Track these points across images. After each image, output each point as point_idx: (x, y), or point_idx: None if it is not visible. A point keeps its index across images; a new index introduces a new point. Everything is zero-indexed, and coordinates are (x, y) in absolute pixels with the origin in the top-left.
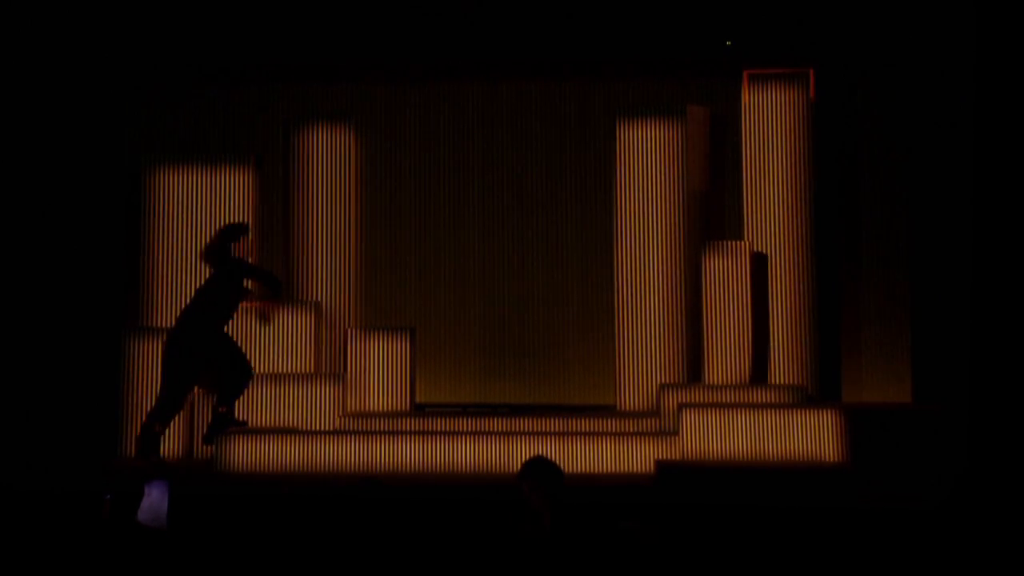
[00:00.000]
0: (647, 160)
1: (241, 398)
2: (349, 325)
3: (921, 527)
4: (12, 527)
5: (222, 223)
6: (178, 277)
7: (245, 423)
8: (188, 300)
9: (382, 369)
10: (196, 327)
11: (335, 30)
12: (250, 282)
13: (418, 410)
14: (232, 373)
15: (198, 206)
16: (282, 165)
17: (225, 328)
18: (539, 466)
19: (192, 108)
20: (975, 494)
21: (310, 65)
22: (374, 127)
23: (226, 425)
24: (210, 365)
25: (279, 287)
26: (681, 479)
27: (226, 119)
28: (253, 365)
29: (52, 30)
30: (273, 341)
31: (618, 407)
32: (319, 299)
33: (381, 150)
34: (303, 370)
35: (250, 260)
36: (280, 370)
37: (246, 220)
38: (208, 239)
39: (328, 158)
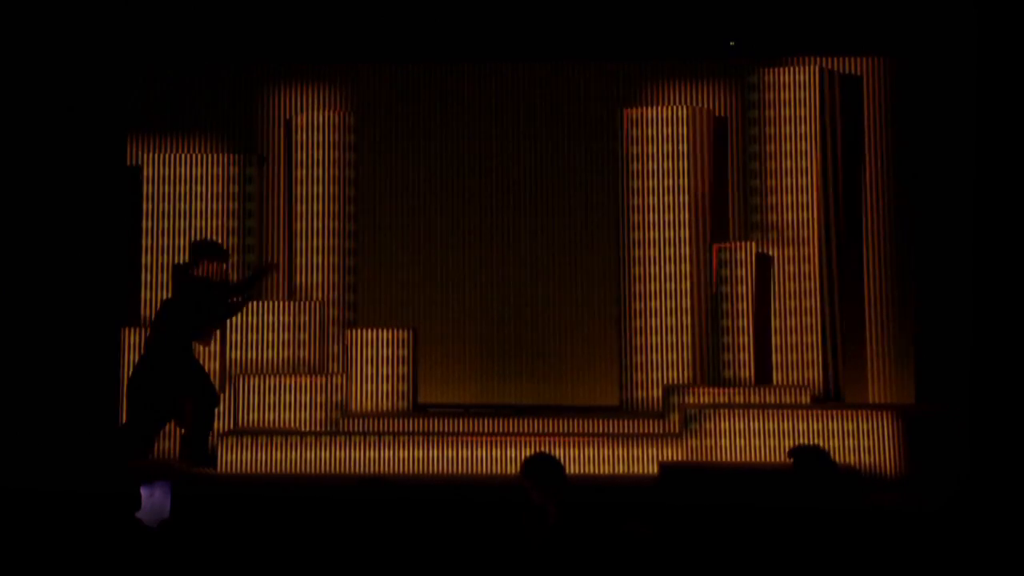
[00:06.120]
0: (652, 154)
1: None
2: (349, 325)
3: (924, 527)
4: (12, 527)
5: (214, 225)
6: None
7: (214, 455)
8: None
9: (383, 369)
10: (164, 355)
11: (336, 19)
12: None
13: (421, 411)
14: (200, 405)
15: (196, 198)
16: (284, 164)
17: (194, 350)
18: (540, 463)
19: (193, 103)
20: (979, 494)
21: (310, 56)
22: (376, 127)
23: (200, 460)
24: (177, 396)
25: (262, 272)
26: (684, 480)
27: (228, 116)
28: (218, 389)
29: (48, 20)
30: (274, 341)
31: (623, 408)
32: (320, 298)
33: (383, 149)
34: (304, 370)
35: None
36: (281, 370)
37: (225, 245)
38: (204, 236)
39: (329, 157)
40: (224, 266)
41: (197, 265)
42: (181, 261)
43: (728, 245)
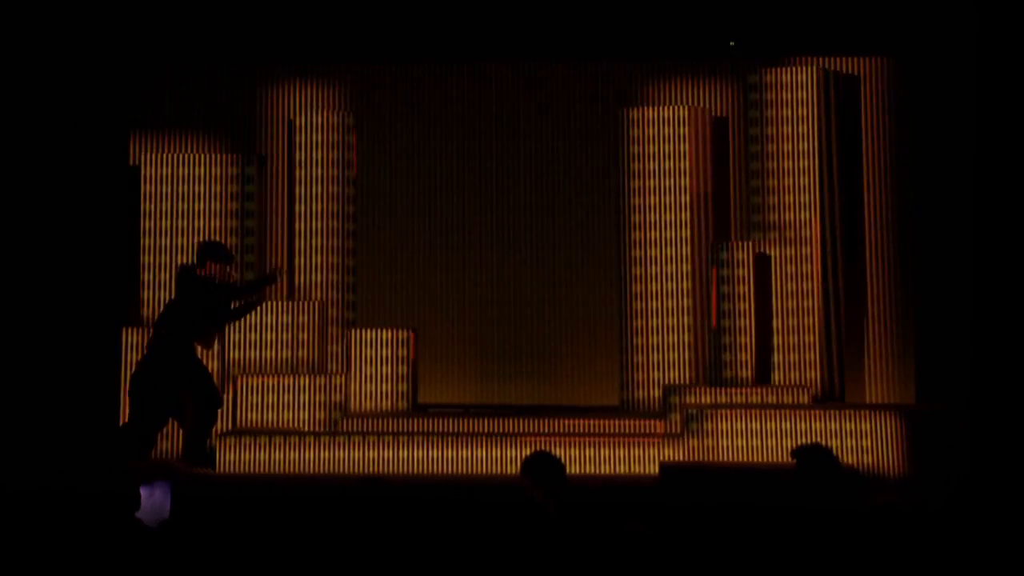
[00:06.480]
0: (652, 154)
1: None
2: (349, 325)
3: (925, 527)
4: (12, 527)
5: (214, 225)
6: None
7: (213, 455)
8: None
9: (383, 369)
10: (165, 354)
11: (336, 19)
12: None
13: (421, 410)
14: (201, 405)
15: (196, 198)
16: (284, 164)
17: (197, 351)
18: (540, 461)
19: (193, 102)
20: (979, 494)
21: (310, 56)
22: (376, 127)
23: (200, 460)
24: (178, 396)
25: (265, 281)
26: (684, 480)
27: (228, 115)
28: (221, 393)
29: (50, 20)
30: (274, 341)
31: (623, 408)
32: (320, 298)
33: (384, 150)
34: (304, 370)
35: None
36: (281, 370)
37: (230, 242)
38: (203, 236)
39: (329, 157)
40: (228, 268)
41: (203, 266)
42: (186, 262)
43: (729, 244)
